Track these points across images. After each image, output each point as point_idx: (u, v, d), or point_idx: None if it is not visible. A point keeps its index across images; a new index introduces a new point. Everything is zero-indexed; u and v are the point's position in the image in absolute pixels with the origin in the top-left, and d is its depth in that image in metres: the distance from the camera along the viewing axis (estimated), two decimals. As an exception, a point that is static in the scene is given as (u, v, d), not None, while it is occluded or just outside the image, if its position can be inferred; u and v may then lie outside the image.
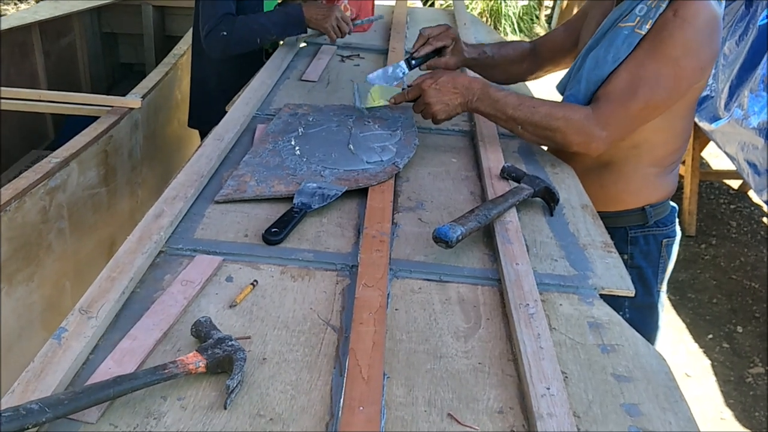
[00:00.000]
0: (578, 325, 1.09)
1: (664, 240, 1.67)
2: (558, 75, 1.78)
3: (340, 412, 0.87)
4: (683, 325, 3.24)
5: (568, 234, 1.34)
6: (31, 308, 1.85)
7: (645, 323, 1.71)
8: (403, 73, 1.78)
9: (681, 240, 3.81)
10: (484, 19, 7.46)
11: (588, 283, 1.19)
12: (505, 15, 7.54)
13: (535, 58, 1.91)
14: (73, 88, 3.49)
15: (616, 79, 1.49)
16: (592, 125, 1.48)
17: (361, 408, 0.88)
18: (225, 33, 2.16)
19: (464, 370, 0.98)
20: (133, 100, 2.33)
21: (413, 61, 1.79)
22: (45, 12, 3.19)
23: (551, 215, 1.40)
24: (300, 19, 2.25)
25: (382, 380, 0.93)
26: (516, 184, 1.44)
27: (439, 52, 1.82)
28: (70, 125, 2.58)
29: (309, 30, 2.31)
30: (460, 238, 1.22)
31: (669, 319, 3.27)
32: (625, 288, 1.19)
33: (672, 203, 1.71)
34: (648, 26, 1.45)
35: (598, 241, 1.32)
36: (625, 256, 1.63)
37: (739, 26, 3.39)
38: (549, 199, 1.42)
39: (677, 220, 1.72)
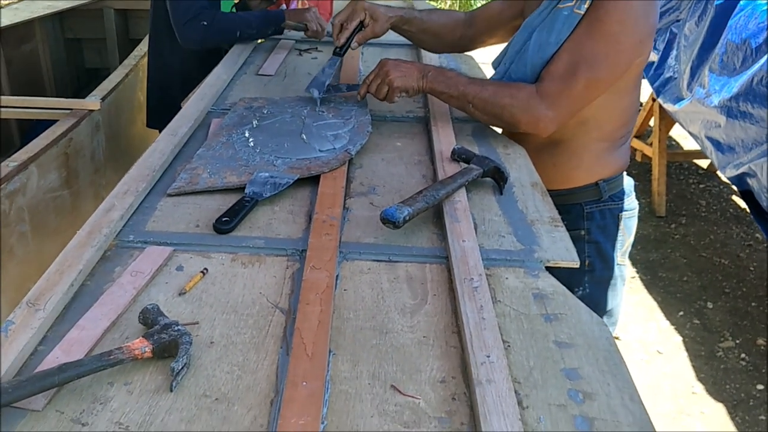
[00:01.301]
0: (523, 297, 1.11)
1: (620, 214, 1.69)
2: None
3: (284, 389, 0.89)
4: (654, 304, 3.29)
5: (516, 211, 1.37)
6: (-5, 313, 1.85)
7: (606, 296, 1.73)
8: (336, 62, 1.85)
9: (651, 220, 3.83)
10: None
11: (534, 257, 1.21)
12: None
13: (469, 27, 1.91)
14: (37, 95, 3.46)
15: (558, 59, 1.51)
16: (537, 104, 1.51)
17: (305, 383, 0.89)
18: (205, 23, 2.20)
19: (409, 344, 1.00)
20: (92, 102, 2.33)
21: (340, 50, 1.83)
22: (5, 19, 3.17)
23: (501, 194, 1.43)
24: (280, 17, 2.32)
25: (326, 357, 0.95)
26: (466, 165, 1.47)
27: (359, 29, 1.84)
28: (34, 131, 2.57)
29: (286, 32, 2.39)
30: (408, 218, 1.24)
31: (640, 298, 3.32)
32: (571, 260, 1.21)
33: (628, 178, 1.73)
34: (586, 5, 1.48)
35: (545, 217, 1.35)
36: (582, 232, 1.66)
37: (698, 6, 3.44)
38: (498, 179, 1.44)
39: (633, 194, 1.74)
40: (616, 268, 1.72)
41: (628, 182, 1.73)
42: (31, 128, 3.15)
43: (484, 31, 1.88)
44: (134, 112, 2.83)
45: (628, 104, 1.61)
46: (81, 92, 3.95)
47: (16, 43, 3.44)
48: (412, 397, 0.90)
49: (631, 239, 1.75)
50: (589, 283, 1.67)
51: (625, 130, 1.66)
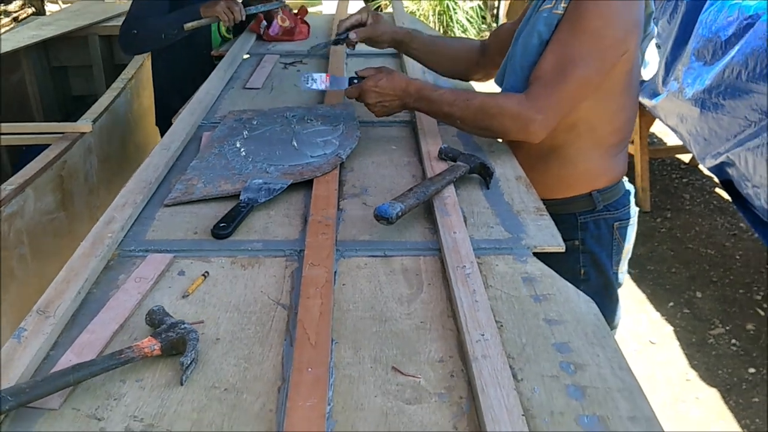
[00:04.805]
0: (513, 281, 1.16)
1: (616, 223, 1.67)
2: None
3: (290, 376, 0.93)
4: (644, 297, 3.34)
5: (503, 203, 1.42)
6: (-2, 335, 1.87)
7: (602, 305, 1.68)
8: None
9: (637, 216, 3.88)
10: (433, 23, 7.58)
11: (521, 244, 1.27)
12: (456, 19, 7.67)
13: (484, 54, 1.92)
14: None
15: (543, 62, 1.51)
16: (525, 110, 1.48)
17: (310, 369, 0.94)
18: (135, 31, 2.45)
19: (407, 330, 1.05)
20: (84, 125, 2.37)
21: (336, 38, 1.90)
22: (-11, 50, 3.20)
23: (487, 188, 1.48)
24: (196, 11, 2.49)
25: (329, 345, 0.99)
26: (453, 163, 1.52)
27: (359, 27, 1.90)
28: (26, 157, 2.60)
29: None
30: (400, 214, 1.29)
31: (630, 292, 3.37)
32: (556, 245, 1.27)
33: (629, 186, 1.71)
34: (563, 5, 1.49)
35: (531, 207, 1.40)
36: (577, 242, 1.64)
37: (669, 4, 3.53)
38: (485, 174, 1.50)
39: (632, 202, 1.72)
40: (612, 276, 1.71)
41: (627, 191, 1.71)
42: (22, 155, 3.19)
43: (497, 54, 1.83)
44: (125, 135, 2.87)
45: (619, 108, 1.58)
46: (69, 120, 3.96)
47: (3, 73, 3.47)
48: (413, 376, 0.95)
49: (629, 247, 1.72)
50: (585, 292, 1.64)
51: (618, 137, 1.63)
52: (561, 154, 1.63)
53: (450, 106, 1.57)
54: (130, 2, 2.54)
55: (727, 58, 2.78)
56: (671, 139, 4.82)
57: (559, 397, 0.91)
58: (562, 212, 1.59)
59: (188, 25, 2.46)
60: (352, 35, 1.86)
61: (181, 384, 0.94)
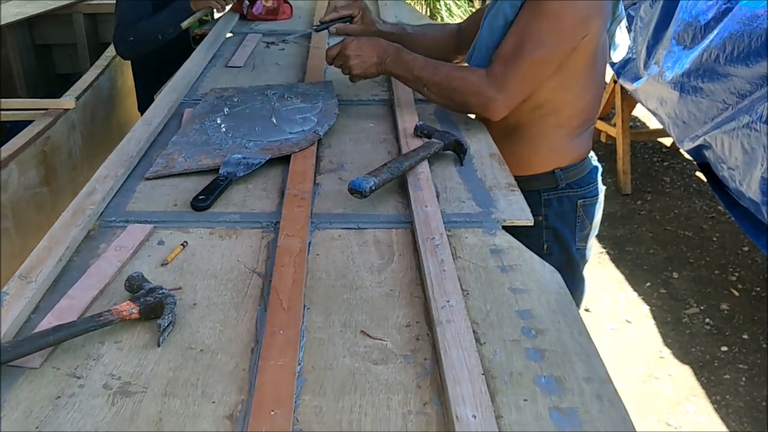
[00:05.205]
0: (481, 252, 1.20)
1: (579, 201, 1.72)
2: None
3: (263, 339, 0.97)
4: (622, 277, 3.41)
5: (475, 179, 1.46)
6: (-18, 307, 1.90)
7: (565, 280, 1.77)
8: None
9: (617, 198, 3.94)
10: (420, 5, 7.58)
11: (491, 218, 1.31)
12: (444, 2, 7.67)
13: (461, 39, 1.95)
14: (10, 101, 3.49)
15: (505, 42, 1.56)
16: (485, 86, 1.55)
17: (282, 332, 0.98)
18: (132, 38, 2.48)
19: (377, 297, 1.09)
20: (67, 101, 2.39)
21: (318, 26, 1.92)
22: (-27, 27, 3.20)
23: (461, 165, 1.52)
24: (187, 6, 2.52)
25: (301, 310, 1.03)
26: (428, 140, 1.56)
27: (347, 20, 1.91)
28: (9, 133, 2.62)
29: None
30: (374, 188, 1.32)
31: (609, 272, 3.44)
32: (525, 218, 1.31)
33: (596, 165, 1.76)
34: None
35: (502, 183, 1.44)
36: (540, 218, 1.68)
37: (651, -11, 3.57)
38: (459, 151, 1.54)
39: (599, 180, 1.76)
40: (575, 252, 1.76)
41: (594, 168, 1.75)
42: (6, 131, 3.20)
43: (473, 37, 1.82)
44: (109, 112, 2.89)
45: (583, 89, 1.63)
46: (54, 97, 3.97)
47: (-13, 51, 3.47)
48: (380, 339, 0.99)
49: (594, 224, 1.77)
50: None
51: (583, 118, 1.68)
52: (525, 133, 1.68)
53: (421, 70, 1.64)
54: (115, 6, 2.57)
55: (706, 41, 2.82)
56: (653, 123, 4.87)
57: (519, 359, 0.96)
58: (526, 189, 1.62)
59: (185, 23, 2.51)
60: (332, 29, 1.88)
61: (158, 345, 0.98)
